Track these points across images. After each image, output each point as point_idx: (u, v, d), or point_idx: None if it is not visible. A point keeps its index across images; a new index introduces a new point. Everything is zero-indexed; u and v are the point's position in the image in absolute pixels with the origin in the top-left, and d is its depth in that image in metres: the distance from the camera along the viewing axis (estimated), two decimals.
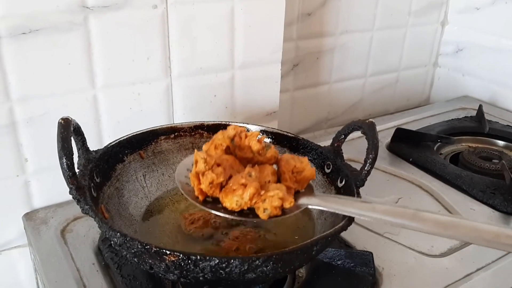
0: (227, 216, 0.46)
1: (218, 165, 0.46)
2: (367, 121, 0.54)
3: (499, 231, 0.37)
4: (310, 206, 0.48)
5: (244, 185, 0.45)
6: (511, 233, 0.36)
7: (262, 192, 0.45)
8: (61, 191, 0.64)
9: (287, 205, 0.46)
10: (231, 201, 0.45)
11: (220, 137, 0.50)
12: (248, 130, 0.57)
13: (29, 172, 0.62)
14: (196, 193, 0.46)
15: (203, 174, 0.45)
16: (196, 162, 0.46)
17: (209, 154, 0.47)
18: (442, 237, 0.40)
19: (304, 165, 0.49)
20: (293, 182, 0.49)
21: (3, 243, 0.64)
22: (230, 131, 0.51)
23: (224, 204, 0.46)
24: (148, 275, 0.51)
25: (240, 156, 0.50)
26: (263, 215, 0.45)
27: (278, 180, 0.49)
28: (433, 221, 0.40)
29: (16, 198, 0.63)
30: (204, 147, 0.51)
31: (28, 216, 0.63)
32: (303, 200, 0.48)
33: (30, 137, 0.60)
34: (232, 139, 0.51)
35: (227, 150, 0.50)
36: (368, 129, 0.53)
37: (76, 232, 0.60)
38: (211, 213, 0.54)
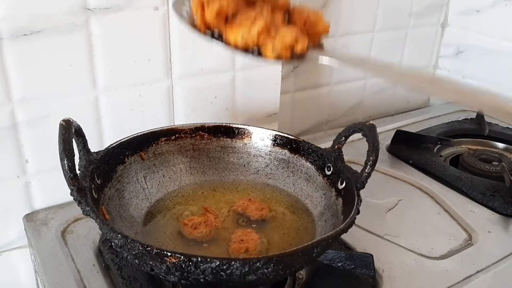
0: (228, 48, 0.42)
1: None
2: (367, 123, 0.54)
3: (507, 101, 0.35)
4: (321, 59, 0.43)
5: (252, 19, 0.41)
6: None
7: (273, 32, 0.41)
8: (61, 192, 0.64)
9: (299, 47, 0.41)
10: (236, 34, 0.41)
11: None
12: None
13: (30, 173, 0.62)
14: (198, 22, 0.42)
15: (208, 1, 0.41)
16: None
17: None
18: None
19: (318, 17, 0.45)
20: (304, 34, 0.44)
21: (4, 244, 0.65)
22: None
23: (227, 38, 0.42)
24: (148, 277, 0.51)
25: None
26: (270, 54, 0.41)
27: None
28: (449, 88, 0.38)
29: (16, 199, 0.63)
30: None
31: (29, 217, 0.63)
32: (314, 53, 0.43)
33: (31, 138, 0.60)
34: None
35: None
36: (369, 131, 0.53)
37: (76, 233, 0.60)
38: (211, 217, 0.54)
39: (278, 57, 0.41)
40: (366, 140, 0.53)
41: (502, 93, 0.35)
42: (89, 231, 0.61)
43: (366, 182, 0.52)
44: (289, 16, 0.45)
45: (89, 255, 0.57)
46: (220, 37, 0.43)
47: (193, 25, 0.43)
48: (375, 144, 0.52)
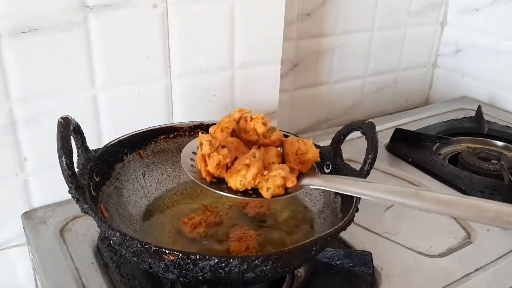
0: (231, 196, 0.47)
1: (223, 146, 0.47)
2: (366, 121, 0.54)
3: (500, 209, 0.36)
4: (312, 186, 0.48)
5: (248, 166, 0.46)
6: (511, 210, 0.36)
7: (265, 172, 0.46)
8: (60, 190, 0.64)
9: (289, 184, 0.46)
10: (235, 181, 0.46)
11: (226, 120, 0.52)
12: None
13: (28, 171, 0.62)
14: (203, 174, 0.47)
15: (209, 156, 0.46)
16: (201, 144, 0.47)
17: (213, 136, 0.48)
18: (443, 215, 0.39)
19: (308, 147, 0.50)
20: (297, 163, 0.49)
21: (2, 242, 0.64)
22: (235, 114, 0.52)
23: (229, 184, 0.47)
24: (147, 274, 0.51)
25: (245, 139, 0.51)
26: (266, 194, 0.46)
27: (283, 162, 0.50)
28: (433, 199, 0.40)
29: (15, 197, 0.63)
30: (211, 129, 0.53)
31: (27, 215, 0.63)
32: (306, 181, 0.48)
33: (30, 136, 0.60)
34: (237, 122, 0.52)
35: (233, 133, 0.51)
36: (368, 130, 0.53)
37: (75, 231, 0.60)
38: (211, 216, 0.54)
39: (274, 196, 0.46)
40: (365, 138, 0.53)
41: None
42: (87, 229, 0.60)
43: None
44: (282, 149, 0.51)
45: (88, 253, 0.57)
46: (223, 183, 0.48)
47: (200, 176, 0.48)
48: (374, 142, 0.52)
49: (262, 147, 0.50)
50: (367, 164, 0.52)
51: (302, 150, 0.49)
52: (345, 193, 0.45)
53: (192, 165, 0.50)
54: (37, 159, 0.62)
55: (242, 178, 0.46)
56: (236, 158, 0.48)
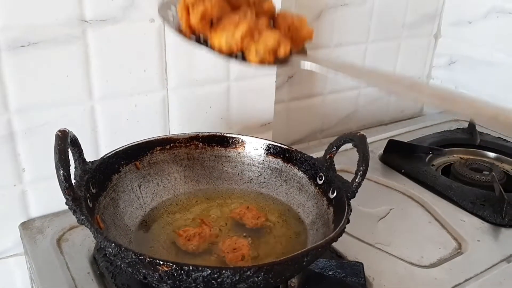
0: (215, 53, 0.42)
1: None
2: (358, 133, 0.55)
3: (499, 109, 0.35)
4: (303, 64, 0.43)
5: (236, 23, 0.41)
6: (510, 113, 0.34)
7: (256, 34, 0.41)
8: (57, 201, 0.64)
9: (282, 51, 0.41)
10: (220, 38, 0.41)
11: None
12: None
13: (26, 181, 0.63)
14: (183, 26, 0.42)
15: (193, 5, 0.42)
16: None
17: None
18: (440, 109, 0.38)
19: (303, 23, 0.46)
20: (288, 39, 0.44)
21: (0, 252, 0.65)
22: None
23: (211, 42, 0.42)
24: (142, 285, 0.52)
25: (233, 3, 0.45)
26: (253, 58, 0.41)
27: None
28: (430, 92, 0.38)
29: (13, 207, 0.63)
30: None
31: (25, 225, 0.64)
32: (297, 58, 0.44)
33: (28, 147, 0.61)
34: None
35: None
36: (359, 142, 0.54)
37: (72, 241, 0.61)
38: (206, 229, 0.55)
39: (262, 61, 0.41)
40: (357, 151, 0.54)
41: (493, 102, 0.36)
42: (84, 239, 0.61)
43: (357, 191, 0.53)
44: (274, 22, 0.46)
45: (84, 263, 0.57)
46: (205, 42, 0.43)
47: (179, 29, 0.44)
48: (365, 154, 0.53)
49: (250, 11, 0.44)
50: (359, 176, 0.53)
51: (295, 25, 0.45)
52: (337, 75, 0.41)
53: (172, 16, 0.45)
54: (34, 169, 0.63)
55: (229, 36, 0.41)
56: (221, 19, 0.43)
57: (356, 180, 0.53)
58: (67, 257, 0.58)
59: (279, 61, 0.43)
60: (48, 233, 0.62)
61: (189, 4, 0.42)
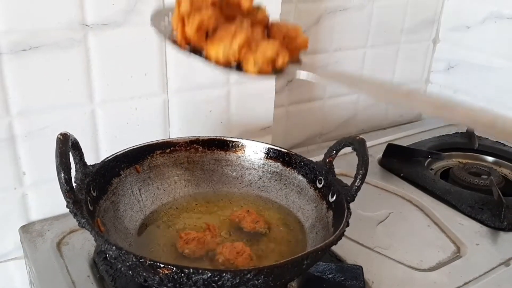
0: (211, 64, 0.41)
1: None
2: (357, 137, 0.55)
3: (496, 116, 0.34)
4: (299, 73, 0.43)
5: (233, 33, 0.40)
6: (508, 120, 0.34)
7: (253, 44, 0.41)
8: (57, 204, 0.65)
9: (280, 61, 0.41)
10: (217, 49, 0.40)
11: None
12: None
13: (27, 185, 0.63)
14: (178, 37, 0.42)
15: (189, 16, 0.41)
16: (179, 3, 0.41)
17: None
18: (436, 118, 0.37)
19: (298, 32, 0.45)
20: (284, 49, 0.44)
21: (0, 255, 0.65)
22: None
23: (208, 54, 0.41)
24: None
25: (226, 13, 0.44)
26: (252, 69, 0.40)
27: None
28: (427, 101, 0.38)
29: (13, 211, 0.64)
30: None
31: (25, 229, 0.64)
32: (294, 67, 0.43)
33: (29, 150, 0.61)
34: None
35: (214, 4, 0.44)
36: (359, 146, 0.55)
37: (72, 245, 0.61)
38: (208, 235, 0.54)
39: (260, 72, 0.41)
40: (356, 154, 0.54)
41: (492, 107, 0.36)
42: (84, 242, 0.61)
43: (356, 195, 0.53)
44: (268, 31, 0.45)
45: (84, 266, 0.57)
46: (200, 53, 0.43)
47: (173, 40, 0.43)
48: (364, 158, 0.54)
49: (246, 21, 0.44)
50: (358, 180, 0.53)
51: (291, 35, 0.44)
52: (332, 85, 0.42)
53: (165, 26, 0.45)
54: (35, 173, 0.63)
55: (226, 47, 0.40)
56: (216, 30, 0.42)
57: (356, 184, 0.53)
58: (67, 260, 0.58)
59: (276, 71, 0.43)
60: (48, 237, 0.62)
61: (185, 15, 0.41)
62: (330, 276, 0.55)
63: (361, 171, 0.53)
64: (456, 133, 0.97)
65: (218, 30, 0.41)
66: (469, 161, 0.89)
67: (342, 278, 0.55)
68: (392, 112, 1.13)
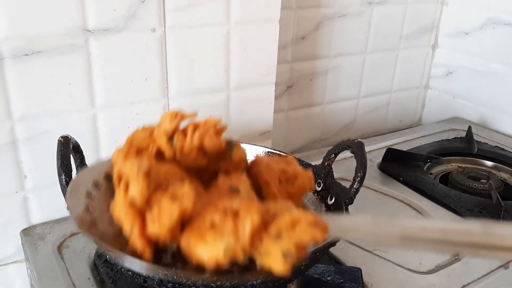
0: (201, 280, 0.29)
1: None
2: (356, 141, 0.56)
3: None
4: (344, 236, 0.31)
5: (234, 213, 0.25)
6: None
7: (273, 226, 0.26)
8: (58, 207, 0.65)
9: (320, 235, 0.26)
10: (213, 246, 0.25)
11: (140, 136, 0.32)
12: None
13: (28, 188, 0.64)
14: (139, 244, 0.27)
15: (149, 204, 0.27)
16: (122, 180, 0.27)
17: (149, 162, 0.28)
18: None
19: (295, 167, 0.36)
20: (284, 197, 0.33)
21: (1, 258, 0.66)
22: (165, 123, 0.32)
23: (194, 255, 0.27)
24: None
25: (185, 164, 0.31)
26: (280, 265, 0.26)
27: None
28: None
29: (14, 214, 0.64)
30: (115, 155, 0.33)
31: (26, 232, 0.64)
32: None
33: (30, 154, 0.62)
34: (170, 137, 0.32)
35: (158, 156, 0.31)
36: (357, 149, 0.55)
37: (72, 248, 0.62)
38: None
39: (294, 267, 0.26)
40: (355, 157, 0.55)
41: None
42: (84, 246, 0.62)
43: (355, 197, 0.54)
44: (255, 176, 0.33)
45: (85, 269, 0.58)
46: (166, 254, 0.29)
47: (121, 247, 0.27)
48: (363, 161, 0.54)
49: (221, 175, 0.31)
50: (356, 182, 0.54)
51: (288, 174, 0.34)
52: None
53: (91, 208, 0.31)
54: (37, 177, 0.64)
55: (229, 238, 0.25)
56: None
57: (354, 186, 0.54)
58: (67, 263, 0.59)
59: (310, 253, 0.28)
60: (49, 240, 0.63)
61: (142, 201, 0.25)
62: (329, 278, 0.55)
63: (359, 174, 0.54)
64: (455, 138, 0.97)
65: (197, 211, 0.26)
66: (468, 166, 0.89)
67: (341, 280, 0.55)
68: (392, 117, 1.13)
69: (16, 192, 0.63)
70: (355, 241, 0.64)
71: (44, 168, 0.63)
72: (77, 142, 0.51)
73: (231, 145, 0.34)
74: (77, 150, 0.51)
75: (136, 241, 0.27)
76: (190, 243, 0.26)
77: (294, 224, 0.26)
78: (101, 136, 0.66)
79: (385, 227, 0.30)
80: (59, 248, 0.61)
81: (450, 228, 0.29)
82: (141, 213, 0.27)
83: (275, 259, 0.26)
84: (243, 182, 0.31)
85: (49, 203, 0.66)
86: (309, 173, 0.36)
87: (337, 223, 0.30)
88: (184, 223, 0.27)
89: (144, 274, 0.42)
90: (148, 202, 0.27)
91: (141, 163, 0.28)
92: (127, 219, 0.27)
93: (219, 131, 0.32)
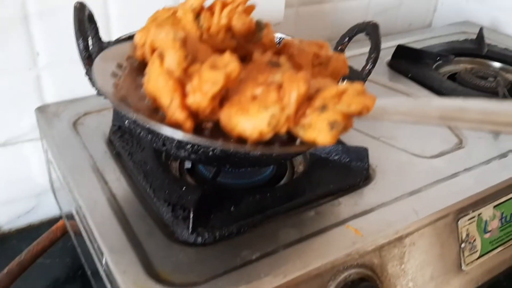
0: (247, 150, 0.27)
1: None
2: (370, 22, 0.55)
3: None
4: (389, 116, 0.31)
5: (277, 85, 0.24)
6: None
7: (319, 98, 0.25)
8: (71, 88, 0.66)
9: (370, 102, 0.27)
10: (257, 117, 0.24)
11: (164, 15, 0.30)
12: None
13: (41, 66, 0.64)
14: (180, 115, 0.26)
15: (189, 74, 0.25)
16: (157, 53, 0.26)
17: (183, 36, 0.25)
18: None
19: (328, 51, 0.34)
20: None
21: (17, 136, 0.67)
22: (192, 0, 0.29)
23: (235, 129, 0.26)
24: (157, 160, 0.55)
25: (213, 46, 0.30)
26: (326, 136, 0.26)
27: None
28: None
29: (28, 92, 0.65)
30: (140, 34, 0.31)
31: (40, 109, 0.65)
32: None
33: (42, 30, 0.62)
34: (197, 15, 0.30)
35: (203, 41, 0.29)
36: (372, 30, 0.55)
37: (87, 125, 0.63)
38: None
39: (336, 137, 0.26)
40: (369, 39, 0.55)
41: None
42: (99, 124, 0.63)
43: (366, 79, 0.54)
44: (287, 59, 0.31)
45: (101, 144, 0.59)
46: (204, 130, 0.27)
47: (161, 121, 0.27)
48: (377, 42, 0.54)
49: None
50: (370, 63, 0.54)
51: (321, 58, 0.32)
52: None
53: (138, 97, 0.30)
54: (49, 54, 0.64)
55: (274, 108, 0.24)
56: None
57: (367, 67, 0.54)
58: (84, 137, 0.60)
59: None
60: (64, 117, 0.64)
61: (182, 72, 0.25)
62: (336, 157, 0.58)
63: (373, 55, 0.54)
64: (465, 39, 0.96)
65: (239, 83, 0.25)
66: (477, 66, 0.89)
67: (348, 159, 0.57)
68: (402, 20, 1.11)
69: (29, 69, 0.63)
70: (361, 128, 0.66)
71: (57, 46, 0.63)
72: (91, 12, 0.50)
73: (260, 26, 0.32)
74: (92, 20, 0.51)
75: (177, 112, 0.26)
76: (231, 116, 0.26)
77: (340, 95, 0.26)
78: (111, 13, 0.65)
79: (425, 107, 0.31)
80: (74, 124, 0.63)
81: (490, 108, 0.30)
82: (180, 83, 0.25)
83: (320, 130, 0.26)
84: (281, 57, 0.29)
85: (63, 82, 0.66)
86: (343, 56, 0.34)
87: (376, 105, 0.30)
88: (223, 99, 0.26)
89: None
90: (186, 73, 0.25)
91: (177, 31, 0.26)
92: (166, 90, 0.26)
93: (248, 9, 0.30)
